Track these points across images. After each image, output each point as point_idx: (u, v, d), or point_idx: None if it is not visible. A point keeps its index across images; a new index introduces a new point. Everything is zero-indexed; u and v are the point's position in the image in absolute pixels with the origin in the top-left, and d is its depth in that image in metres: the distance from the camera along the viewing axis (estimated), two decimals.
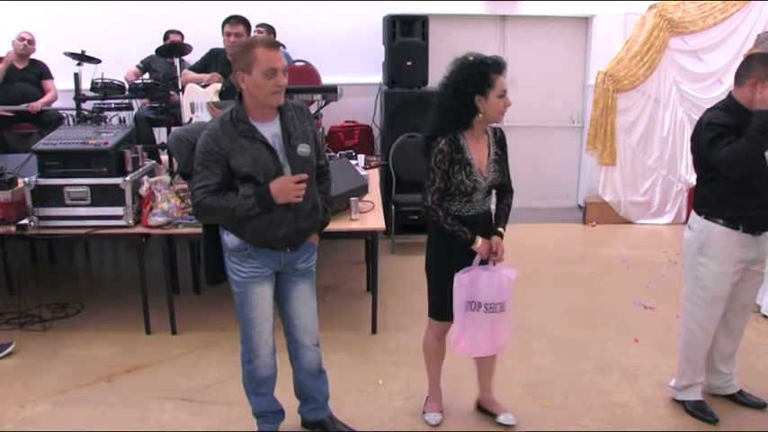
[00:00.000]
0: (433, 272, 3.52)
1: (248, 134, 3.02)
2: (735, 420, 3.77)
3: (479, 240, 3.33)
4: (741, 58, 3.58)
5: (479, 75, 3.19)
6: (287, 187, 3.00)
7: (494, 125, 3.43)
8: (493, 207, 3.54)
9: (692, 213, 3.72)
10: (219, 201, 3.01)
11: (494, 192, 3.51)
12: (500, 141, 3.46)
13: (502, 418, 3.71)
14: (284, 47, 7.07)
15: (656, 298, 5.49)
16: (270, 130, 3.08)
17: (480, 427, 3.72)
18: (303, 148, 3.10)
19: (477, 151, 3.34)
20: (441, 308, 3.51)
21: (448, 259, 3.40)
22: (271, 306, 3.29)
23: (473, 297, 3.39)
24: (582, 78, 8.15)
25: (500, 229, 3.46)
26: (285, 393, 3.59)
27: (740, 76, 3.49)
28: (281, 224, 3.10)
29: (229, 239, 3.17)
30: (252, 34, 5.32)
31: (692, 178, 7.49)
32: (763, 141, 3.31)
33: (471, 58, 3.24)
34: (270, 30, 6.98)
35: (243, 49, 3.02)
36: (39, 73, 6.85)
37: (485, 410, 3.81)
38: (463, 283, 3.36)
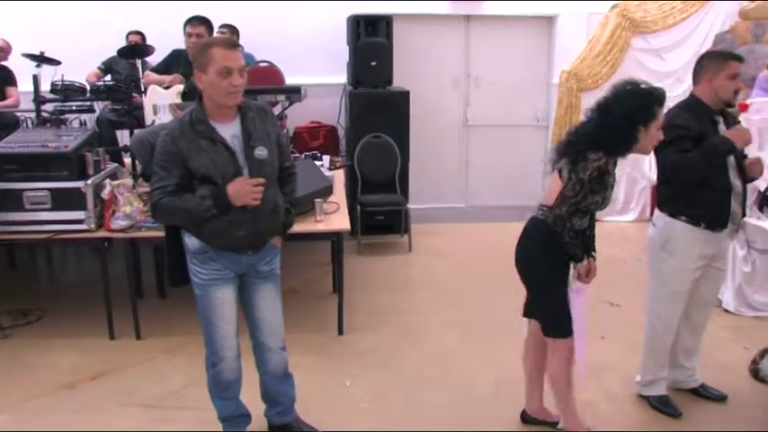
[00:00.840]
0: (553, 285, 3.35)
1: (207, 135, 2.99)
2: (698, 413, 3.83)
3: (586, 260, 3.35)
4: None
5: (647, 105, 3.14)
6: (244, 189, 2.97)
7: None
8: None
9: (656, 210, 3.78)
10: (176, 202, 2.99)
11: None
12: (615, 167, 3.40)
13: (562, 425, 3.62)
14: (242, 47, 7.02)
15: (622, 295, 5.54)
16: (229, 131, 3.05)
17: None
18: (260, 151, 3.06)
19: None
20: (569, 321, 3.34)
21: (562, 270, 3.34)
22: (234, 308, 3.26)
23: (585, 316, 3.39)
24: (546, 77, 8.22)
25: (594, 254, 3.46)
26: (252, 397, 3.55)
27: (696, 75, 3.67)
28: (239, 226, 3.06)
29: (191, 242, 3.14)
30: (215, 35, 5.26)
31: (656, 176, 7.59)
32: (712, 162, 3.48)
33: (643, 86, 3.19)
34: (233, 30, 6.94)
35: (200, 49, 3.02)
36: (2, 78, 6.70)
37: (535, 421, 3.72)
38: (582, 305, 3.36)
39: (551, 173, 3.31)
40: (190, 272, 3.22)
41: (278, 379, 3.49)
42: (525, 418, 3.75)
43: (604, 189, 3.18)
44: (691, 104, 3.63)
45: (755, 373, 4.18)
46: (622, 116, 3.12)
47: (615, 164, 3.36)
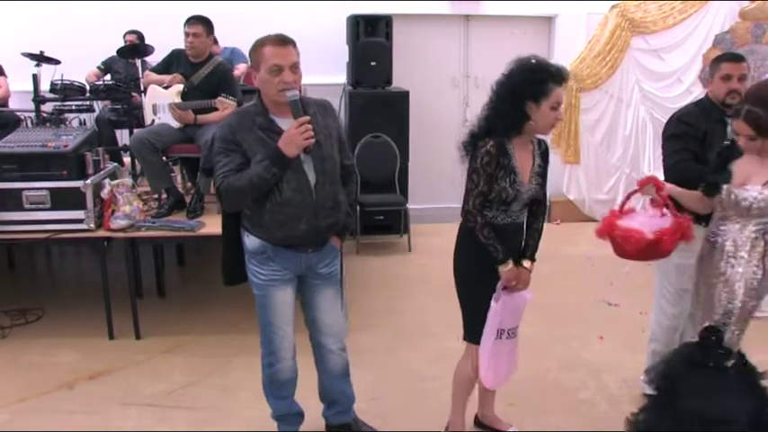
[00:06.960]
0: (469, 287, 3.25)
1: (266, 126, 3.01)
2: None
3: (509, 264, 3.13)
4: (700, 58, 3.75)
5: (537, 81, 2.98)
6: (291, 134, 2.92)
7: (539, 136, 3.22)
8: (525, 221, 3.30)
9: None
10: (239, 179, 2.96)
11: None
12: (544, 154, 3.25)
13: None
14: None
15: (620, 295, 5.54)
16: (288, 124, 3.00)
17: None
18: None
19: (523, 160, 3.11)
20: (481, 329, 3.22)
21: (485, 272, 3.16)
22: (292, 309, 3.24)
23: (502, 325, 3.22)
24: None
25: (527, 262, 3.24)
26: (310, 397, 3.57)
27: (706, 79, 3.74)
28: (300, 219, 3.03)
29: (249, 241, 3.12)
30: (210, 36, 5.24)
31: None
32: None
33: (534, 62, 3.04)
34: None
35: (254, 48, 3.02)
36: None
37: (486, 426, 3.68)
38: (498, 312, 3.16)
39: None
40: (248, 272, 3.19)
41: (337, 379, 3.49)
42: (477, 422, 3.71)
43: (509, 173, 3.05)
44: (703, 103, 3.71)
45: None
46: (511, 92, 3.02)
47: (546, 152, 3.26)
